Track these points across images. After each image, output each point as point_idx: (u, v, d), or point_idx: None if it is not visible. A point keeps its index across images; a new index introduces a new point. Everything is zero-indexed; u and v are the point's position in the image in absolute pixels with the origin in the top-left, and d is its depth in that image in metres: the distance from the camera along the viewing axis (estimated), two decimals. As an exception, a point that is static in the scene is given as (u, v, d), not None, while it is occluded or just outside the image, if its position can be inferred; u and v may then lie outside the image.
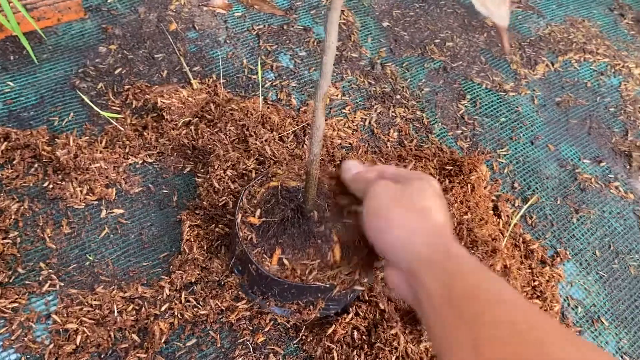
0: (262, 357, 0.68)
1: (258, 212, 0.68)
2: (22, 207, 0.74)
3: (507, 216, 0.87)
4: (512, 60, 1.12)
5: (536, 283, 0.81)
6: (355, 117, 0.94)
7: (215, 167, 0.77)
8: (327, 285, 0.64)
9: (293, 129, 0.85)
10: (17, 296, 0.67)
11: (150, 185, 0.80)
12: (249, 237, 0.67)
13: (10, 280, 0.68)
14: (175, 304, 0.69)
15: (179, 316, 0.69)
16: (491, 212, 0.87)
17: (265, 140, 0.81)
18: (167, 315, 0.68)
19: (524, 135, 1.01)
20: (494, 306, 0.43)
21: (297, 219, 0.66)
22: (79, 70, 0.90)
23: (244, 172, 0.78)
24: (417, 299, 0.48)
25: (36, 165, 0.78)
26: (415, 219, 0.51)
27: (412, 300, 0.50)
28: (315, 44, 1.04)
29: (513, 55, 1.13)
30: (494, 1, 0.44)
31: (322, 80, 0.54)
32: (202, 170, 0.82)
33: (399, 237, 0.51)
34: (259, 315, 0.71)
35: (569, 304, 0.82)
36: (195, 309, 0.69)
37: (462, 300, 0.44)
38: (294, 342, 0.70)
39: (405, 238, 0.51)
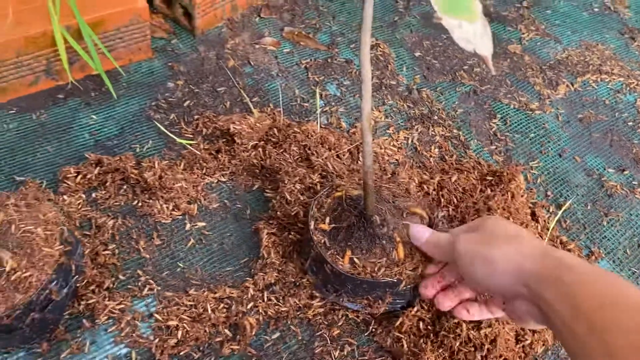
0: (339, 347, 0.76)
1: (327, 219, 0.78)
2: (117, 223, 0.84)
3: (544, 221, 0.96)
4: (534, 82, 1.23)
5: (576, 279, 0.89)
6: (399, 137, 1.04)
7: (286, 182, 0.87)
8: (395, 280, 0.73)
9: (348, 148, 0.96)
10: (122, 299, 0.76)
11: (225, 201, 0.90)
12: (322, 241, 0.76)
13: (114, 286, 0.77)
14: (259, 302, 0.78)
15: (263, 313, 0.77)
16: (529, 217, 0.96)
17: (326, 158, 0.91)
18: (252, 312, 0.77)
19: (552, 149, 1.10)
20: (623, 313, 0.43)
21: (361, 223, 0.76)
22: (152, 104, 1.01)
23: (310, 185, 0.88)
24: (545, 318, 0.50)
25: (125, 186, 0.88)
26: (514, 248, 0.55)
27: (541, 322, 0.53)
28: (356, 74, 1.15)
29: (535, 77, 1.24)
30: (476, 35, 0.51)
31: (365, 104, 0.65)
32: (269, 187, 0.92)
33: (507, 271, 0.54)
34: (332, 312, 0.79)
35: (607, 297, 0.89)
36: (276, 307, 0.78)
37: (590, 311, 0.45)
38: (365, 334, 0.78)
39: (515, 269, 0.53)
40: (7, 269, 0.63)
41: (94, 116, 0.97)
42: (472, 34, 0.46)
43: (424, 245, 0.70)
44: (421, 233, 0.70)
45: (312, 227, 0.76)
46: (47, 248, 0.65)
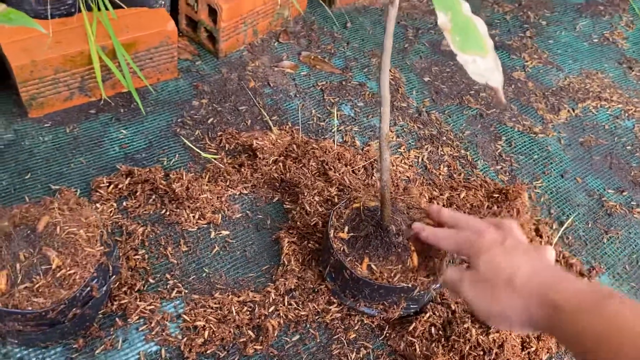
0: (355, 350, 0.81)
1: (346, 228, 0.83)
2: (146, 230, 0.89)
3: (548, 237, 1.01)
4: (538, 107, 1.29)
5: (578, 292, 0.94)
6: (409, 155, 1.10)
7: (305, 194, 0.93)
8: (410, 286, 0.78)
9: (363, 164, 1.01)
10: (152, 300, 0.80)
11: (247, 211, 0.95)
12: (342, 249, 0.81)
13: (145, 288, 0.82)
14: (280, 307, 0.83)
15: (284, 316, 0.82)
16: (534, 233, 1.01)
17: (342, 173, 0.97)
18: (274, 315, 0.82)
19: (554, 170, 1.16)
20: (625, 346, 0.47)
21: (378, 232, 0.81)
22: (178, 120, 1.07)
23: (328, 198, 0.93)
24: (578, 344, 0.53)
25: (154, 196, 0.93)
26: (519, 301, 0.57)
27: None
28: (369, 96, 1.22)
29: (538, 102, 1.30)
30: (487, 69, 0.56)
31: (383, 124, 0.71)
32: (288, 199, 0.98)
33: (522, 323, 0.57)
34: (349, 317, 0.84)
35: (608, 310, 0.94)
36: (296, 311, 0.83)
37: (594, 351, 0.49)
38: (380, 338, 0.83)
39: (527, 320, 0.57)
40: (53, 266, 0.68)
41: (123, 131, 1.03)
42: (484, 68, 0.51)
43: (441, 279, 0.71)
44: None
45: (331, 235, 0.82)
46: (89, 248, 0.71)
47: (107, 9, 1.01)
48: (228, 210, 0.94)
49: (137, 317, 0.78)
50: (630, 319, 0.50)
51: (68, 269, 0.68)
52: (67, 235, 0.71)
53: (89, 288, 0.69)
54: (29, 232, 0.70)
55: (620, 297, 0.53)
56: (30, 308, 0.65)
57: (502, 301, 0.59)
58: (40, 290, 0.66)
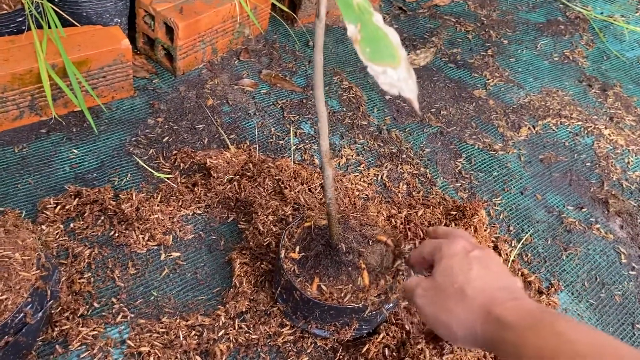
0: (307, 374, 0.79)
1: (297, 248, 0.81)
2: (93, 252, 0.86)
3: (507, 254, 1.01)
4: (498, 125, 1.30)
5: (536, 309, 0.93)
6: (369, 173, 1.09)
7: (259, 214, 0.91)
8: (360, 306, 0.77)
9: (320, 182, 1.00)
10: (95, 325, 0.77)
11: (200, 232, 0.93)
12: (292, 269, 0.79)
13: (88, 313, 0.79)
14: (230, 330, 0.80)
15: (234, 340, 0.79)
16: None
17: (298, 192, 0.96)
18: (224, 339, 0.79)
19: (514, 187, 1.16)
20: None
21: (328, 251, 0.79)
22: (132, 139, 1.05)
23: (282, 217, 0.91)
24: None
25: (103, 217, 0.91)
26: (465, 313, 0.57)
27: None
28: (330, 114, 1.21)
29: (499, 120, 1.31)
30: (400, 79, 0.55)
31: (322, 141, 0.70)
32: (243, 219, 0.96)
33: (465, 337, 0.57)
34: (302, 339, 0.82)
35: (566, 327, 0.93)
36: (247, 334, 0.80)
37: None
38: (333, 361, 0.81)
39: (471, 334, 0.56)
40: (-16, 292, 0.65)
41: (75, 150, 1.01)
42: (397, 78, 0.50)
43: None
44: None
45: (282, 255, 0.80)
46: (23, 272, 0.68)
47: (56, 26, 0.99)
48: (180, 231, 0.92)
49: (78, 344, 0.75)
50: (575, 335, 0.50)
51: (0, 294, 0.65)
52: (0, 259, 0.68)
53: (22, 314, 0.66)
54: (-40, 256, 0.67)
55: (565, 318, 0.53)
56: (-43, 337, 0.62)
57: (449, 312, 0.58)
58: (-32, 317, 0.63)
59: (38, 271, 0.69)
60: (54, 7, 1.01)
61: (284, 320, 0.83)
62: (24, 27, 1.02)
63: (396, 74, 0.47)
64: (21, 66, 0.95)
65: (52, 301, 0.71)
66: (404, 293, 0.67)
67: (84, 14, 1.08)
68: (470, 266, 0.60)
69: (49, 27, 0.99)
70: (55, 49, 0.99)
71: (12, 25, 1.01)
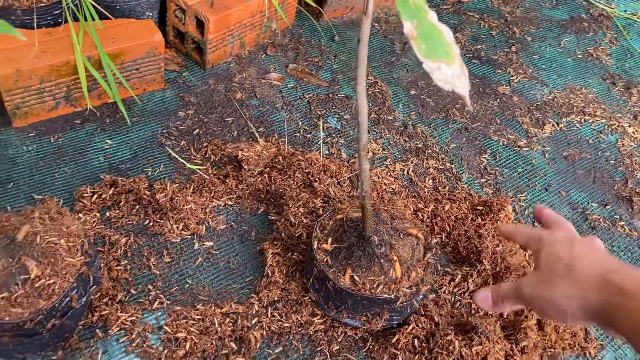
0: (338, 362, 0.81)
1: (329, 240, 0.83)
2: (129, 241, 0.88)
3: (532, 249, 1.02)
4: (522, 122, 1.30)
5: (562, 304, 0.94)
6: (395, 168, 1.10)
7: (290, 206, 0.93)
8: (392, 297, 0.78)
9: (348, 176, 1.02)
10: (133, 311, 0.80)
11: (232, 223, 0.95)
12: (325, 260, 0.81)
13: (126, 299, 0.81)
14: (264, 318, 0.82)
15: (267, 328, 0.81)
16: (517, 245, 1.02)
17: (327, 185, 0.97)
18: (257, 327, 0.81)
19: (538, 183, 1.17)
20: None
21: (361, 243, 0.81)
22: (164, 131, 1.07)
23: (312, 209, 0.93)
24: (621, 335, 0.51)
25: (137, 207, 0.93)
26: (573, 285, 0.55)
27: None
28: (356, 109, 1.22)
29: (523, 117, 1.32)
30: (453, 76, 0.56)
31: (361, 135, 0.71)
32: (274, 211, 0.97)
33: (576, 312, 0.54)
34: (332, 328, 0.84)
35: (591, 323, 0.94)
36: (279, 322, 0.82)
37: None
38: (363, 351, 0.83)
39: (582, 308, 0.54)
40: (32, 276, 0.67)
41: (108, 141, 1.03)
42: (450, 75, 0.51)
43: (494, 306, 0.65)
44: (484, 298, 0.66)
45: (315, 247, 0.82)
46: (69, 258, 0.70)
47: (93, 19, 1.01)
48: (212, 221, 0.94)
49: (117, 329, 0.77)
50: None
51: (47, 278, 0.67)
52: (47, 244, 0.70)
53: (68, 298, 0.69)
54: (8, 241, 0.69)
55: None
56: (7, 318, 0.64)
57: (558, 289, 0.56)
58: (18, 300, 0.65)
59: (82, 257, 0.71)
60: (90, 0, 1.03)
61: (315, 309, 0.85)
62: (60, 20, 1.04)
63: (450, 71, 0.49)
64: (58, 58, 0.97)
65: (94, 286, 0.73)
66: (506, 299, 0.64)
67: (118, 7, 1.10)
68: (573, 246, 0.59)
69: (85, 20, 1.01)
70: (91, 41, 1.01)
71: (49, 18, 1.03)
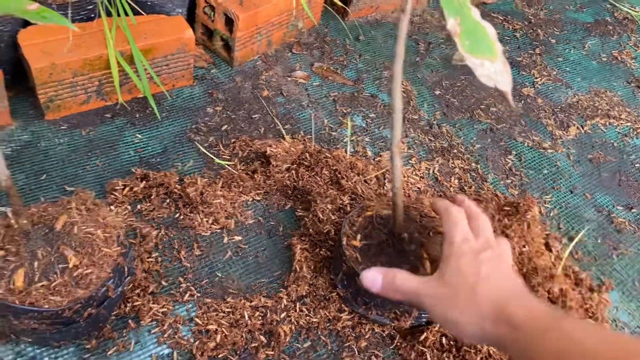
0: (366, 358, 0.81)
1: (359, 236, 0.83)
2: (160, 233, 0.89)
3: (557, 251, 1.02)
4: (547, 124, 1.30)
5: (587, 306, 0.94)
6: (420, 167, 1.11)
7: (318, 202, 0.93)
8: (422, 295, 0.78)
9: (375, 174, 1.02)
10: (164, 303, 0.81)
11: (260, 218, 0.96)
12: (355, 257, 0.81)
13: (158, 291, 0.83)
14: (292, 313, 0.83)
15: (296, 322, 0.82)
16: (543, 247, 1.02)
17: (355, 182, 0.98)
18: (286, 321, 0.82)
19: (563, 185, 1.17)
20: None
21: (391, 240, 0.81)
22: (193, 126, 1.08)
23: (340, 206, 0.94)
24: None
25: (168, 200, 0.94)
26: (474, 310, 0.60)
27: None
28: (381, 107, 1.23)
29: (547, 119, 1.31)
30: (496, 72, 0.57)
31: (395, 131, 0.71)
32: (300, 207, 0.98)
33: (474, 334, 0.60)
34: (360, 325, 0.84)
35: (617, 325, 0.94)
36: (308, 317, 0.83)
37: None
38: (391, 347, 0.83)
39: (479, 332, 0.60)
40: (70, 265, 0.68)
41: (138, 135, 1.04)
42: (494, 71, 0.52)
43: (382, 292, 0.69)
44: (373, 279, 0.70)
45: (344, 243, 0.82)
46: (106, 248, 0.71)
47: (126, 14, 1.03)
48: (241, 215, 0.95)
49: (149, 320, 0.79)
50: (583, 335, 0.53)
51: (85, 268, 0.69)
52: (84, 235, 0.71)
53: (105, 288, 0.70)
54: (47, 230, 0.71)
55: (571, 318, 0.59)
56: (46, 306, 0.66)
57: (459, 312, 0.61)
58: (57, 288, 0.67)
59: (118, 248, 0.72)
60: (123, -4, 1.04)
61: (342, 305, 0.85)
62: (93, 15, 1.06)
63: (493, 67, 0.49)
64: (92, 52, 0.99)
65: (129, 277, 0.74)
66: (399, 293, 0.68)
67: (149, 3, 1.11)
68: (480, 267, 0.63)
69: (119, 15, 1.03)
70: (123, 36, 1.02)
71: (82, 13, 1.05)
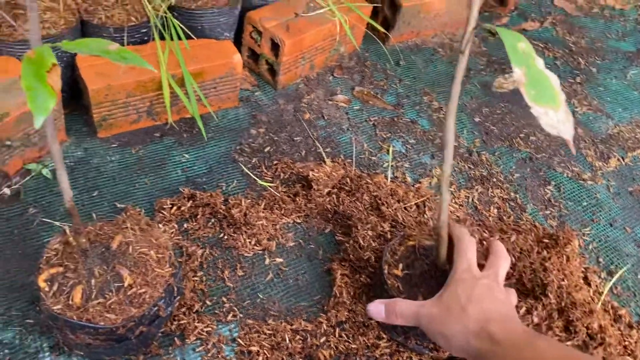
0: (403, 386, 0.82)
1: (400, 265, 0.85)
2: (205, 253, 0.92)
3: (596, 285, 1.01)
4: (587, 154, 1.30)
5: (626, 343, 0.94)
6: (460, 195, 1.12)
7: (359, 228, 0.95)
8: (462, 327, 0.79)
9: (415, 202, 1.03)
10: (209, 322, 0.83)
11: (300, 240, 0.98)
12: (396, 286, 0.83)
13: (202, 310, 0.85)
14: (332, 338, 0.84)
15: (335, 347, 0.84)
16: (582, 281, 1.01)
17: (395, 209, 0.99)
18: (325, 346, 0.84)
19: (603, 218, 1.16)
20: None
21: (433, 271, 0.83)
22: (237, 147, 1.12)
23: (381, 233, 0.95)
24: None
25: (213, 220, 0.97)
26: (463, 326, 0.69)
27: None
28: (421, 133, 1.24)
29: (587, 149, 1.31)
30: (559, 121, 0.58)
31: (446, 166, 0.73)
32: (340, 231, 1.00)
33: (460, 347, 0.69)
34: (398, 353, 0.85)
35: (657, 365, 0.93)
36: (347, 343, 0.85)
37: None
38: (428, 377, 0.84)
39: (464, 346, 0.68)
40: (126, 284, 0.71)
41: (186, 155, 1.08)
42: (557, 120, 0.53)
43: (386, 319, 0.77)
44: (376, 309, 0.78)
45: (386, 272, 0.84)
46: (158, 269, 0.74)
47: (180, 38, 1.07)
48: (282, 238, 0.97)
49: (194, 338, 0.81)
50: (546, 353, 0.63)
51: (139, 287, 0.72)
52: (138, 255, 0.74)
53: (156, 308, 0.72)
54: (103, 249, 0.74)
55: (546, 338, 0.69)
56: (102, 323, 0.69)
57: (449, 328, 0.69)
58: (112, 306, 0.70)
59: (170, 269, 0.75)
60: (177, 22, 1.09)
61: (380, 333, 0.87)
62: (147, 38, 1.11)
63: (556, 116, 0.50)
64: (145, 74, 1.03)
65: (178, 297, 0.77)
66: (401, 318, 0.76)
67: (199, 27, 1.15)
68: (474, 289, 0.71)
69: (171, 40, 1.07)
70: (175, 59, 1.06)
71: (136, 36, 1.09)
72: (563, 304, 0.93)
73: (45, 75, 0.46)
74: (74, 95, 1.08)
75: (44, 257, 0.73)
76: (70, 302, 0.69)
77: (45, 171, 0.98)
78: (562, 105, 0.52)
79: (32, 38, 0.53)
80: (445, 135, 0.70)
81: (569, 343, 0.89)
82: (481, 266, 0.80)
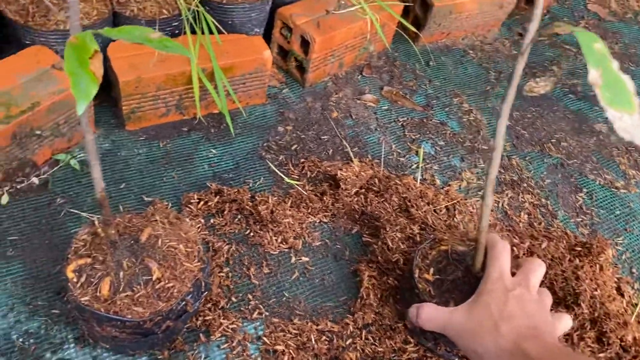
0: (430, 393, 0.80)
1: (431, 270, 0.83)
2: (231, 249, 0.91)
3: (629, 296, 0.98)
4: (620, 162, 1.26)
5: (661, 358, 0.91)
6: (489, 200, 1.09)
7: (387, 230, 0.93)
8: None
9: (445, 204, 1.01)
10: (234, 319, 0.82)
11: (327, 240, 0.96)
12: (428, 290, 0.81)
13: (228, 306, 0.84)
14: (358, 340, 0.83)
15: (361, 350, 0.82)
16: (615, 291, 0.98)
17: (425, 212, 0.97)
18: (351, 348, 0.82)
19: (637, 227, 1.13)
20: None
21: (467, 278, 0.80)
22: (264, 144, 1.11)
23: (410, 235, 0.94)
24: None
25: (239, 216, 0.96)
26: (493, 344, 0.68)
27: None
28: (450, 135, 1.22)
29: (621, 157, 1.28)
30: (634, 125, 0.56)
31: (492, 169, 0.72)
32: (367, 232, 0.98)
33: None
34: (425, 358, 0.83)
35: (693, 381, 0.90)
36: (373, 346, 0.83)
37: None
38: (456, 383, 0.82)
39: None
40: (154, 278, 0.70)
41: (213, 150, 1.07)
42: (631, 124, 0.52)
43: (419, 323, 0.77)
44: (413, 314, 0.78)
45: (416, 275, 0.82)
46: (187, 263, 0.73)
47: (211, 32, 1.06)
48: (308, 237, 0.96)
49: (219, 335, 0.80)
50: None
51: (167, 281, 0.71)
52: (167, 248, 0.74)
53: (184, 302, 0.72)
54: (132, 242, 0.73)
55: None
56: (129, 316, 0.68)
57: (483, 343, 0.68)
58: (140, 300, 0.69)
59: (199, 263, 0.74)
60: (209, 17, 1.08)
61: (407, 337, 0.85)
62: (178, 31, 1.10)
63: (631, 121, 0.49)
64: (175, 68, 1.02)
65: (206, 292, 0.76)
66: (432, 324, 0.76)
67: (230, 22, 1.14)
68: (506, 304, 0.70)
69: (202, 33, 1.06)
70: (205, 53, 1.05)
71: (168, 29, 1.09)
72: (596, 315, 0.91)
73: (88, 61, 0.45)
74: (103, 87, 1.06)
75: (72, 248, 0.72)
76: (98, 294, 0.69)
77: (73, 162, 0.98)
78: (637, 110, 0.50)
79: (72, 24, 0.52)
80: (496, 139, 0.68)
81: (601, 355, 0.87)
82: (514, 273, 0.78)
